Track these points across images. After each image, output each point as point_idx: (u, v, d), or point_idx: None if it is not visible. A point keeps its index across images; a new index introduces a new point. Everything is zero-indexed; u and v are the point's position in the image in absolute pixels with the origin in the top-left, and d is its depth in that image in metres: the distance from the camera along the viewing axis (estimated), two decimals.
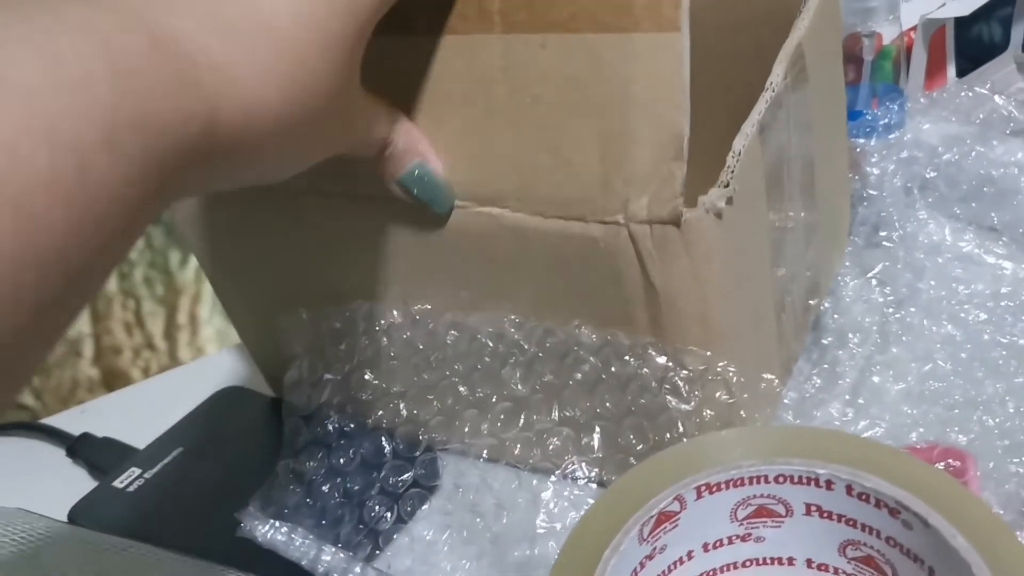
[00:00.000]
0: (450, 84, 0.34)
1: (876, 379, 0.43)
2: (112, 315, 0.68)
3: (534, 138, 0.32)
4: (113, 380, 0.68)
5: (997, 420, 0.40)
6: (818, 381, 0.42)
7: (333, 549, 0.32)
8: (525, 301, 0.36)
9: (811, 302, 0.46)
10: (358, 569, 0.32)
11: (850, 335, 0.45)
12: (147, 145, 0.21)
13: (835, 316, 0.46)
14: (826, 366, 0.44)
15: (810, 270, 0.44)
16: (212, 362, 0.59)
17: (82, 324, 0.67)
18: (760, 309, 0.38)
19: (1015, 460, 0.38)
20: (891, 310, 0.46)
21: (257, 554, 0.37)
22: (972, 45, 0.59)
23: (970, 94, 0.50)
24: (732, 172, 0.31)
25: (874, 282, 0.48)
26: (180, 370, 0.64)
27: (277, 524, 0.34)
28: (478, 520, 0.38)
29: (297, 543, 0.33)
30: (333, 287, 0.40)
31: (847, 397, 0.41)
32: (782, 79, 0.36)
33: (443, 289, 0.38)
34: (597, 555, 0.28)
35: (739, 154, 0.32)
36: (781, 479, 0.30)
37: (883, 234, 0.49)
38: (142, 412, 0.53)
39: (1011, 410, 0.40)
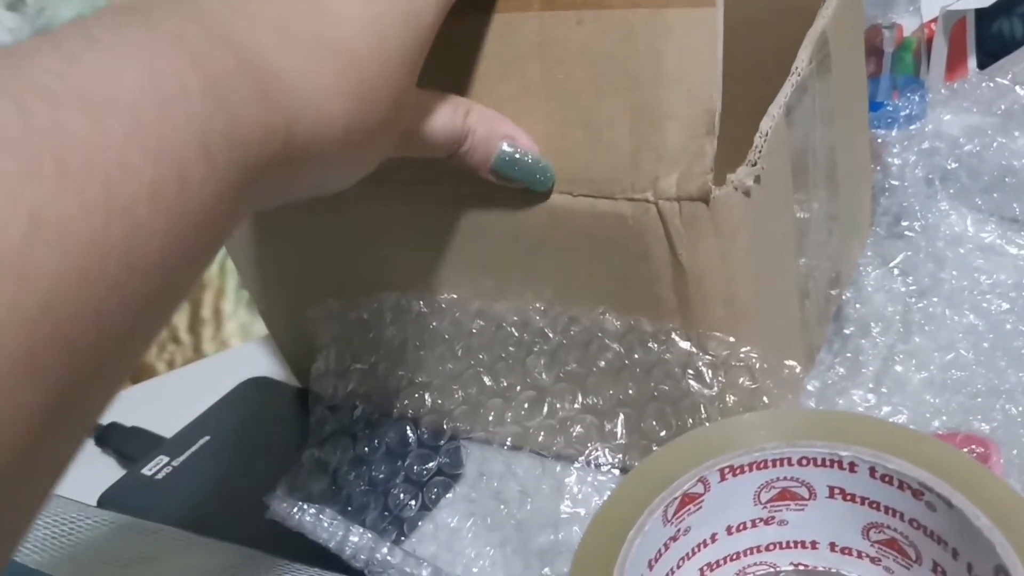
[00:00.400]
0: (487, 62, 0.34)
1: (899, 368, 0.43)
2: None
3: (567, 114, 0.33)
4: (139, 373, 0.69)
5: (1020, 408, 0.40)
6: (841, 370, 0.42)
7: (361, 530, 0.33)
8: (550, 287, 0.37)
9: (833, 292, 0.46)
10: (385, 550, 0.32)
11: (872, 324, 0.45)
12: (236, 157, 0.22)
13: (857, 306, 0.47)
14: (848, 355, 0.44)
15: (831, 259, 0.44)
16: (236, 354, 0.60)
17: None
18: (784, 294, 0.38)
19: None
20: (913, 300, 0.46)
21: (282, 540, 0.37)
22: (993, 41, 0.59)
23: (991, 85, 0.50)
24: (760, 152, 0.32)
25: (896, 272, 0.48)
26: (204, 362, 0.65)
27: (305, 506, 0.34)
28: (502, 507, 0.39)
29: (325, 524, 0.33)
30: (360, 278, 0.41)
31: (870, 385, 0.41)
32: (807, 64, 0.36)
33: (469, 277, 0.38)
34: (622, 536, 0.28)
35: (766, 134, 0.32)
36: (804, 461, 0.30)
37: (905, 224, 0.49)
38: (168, 403, 0.53)
39: None
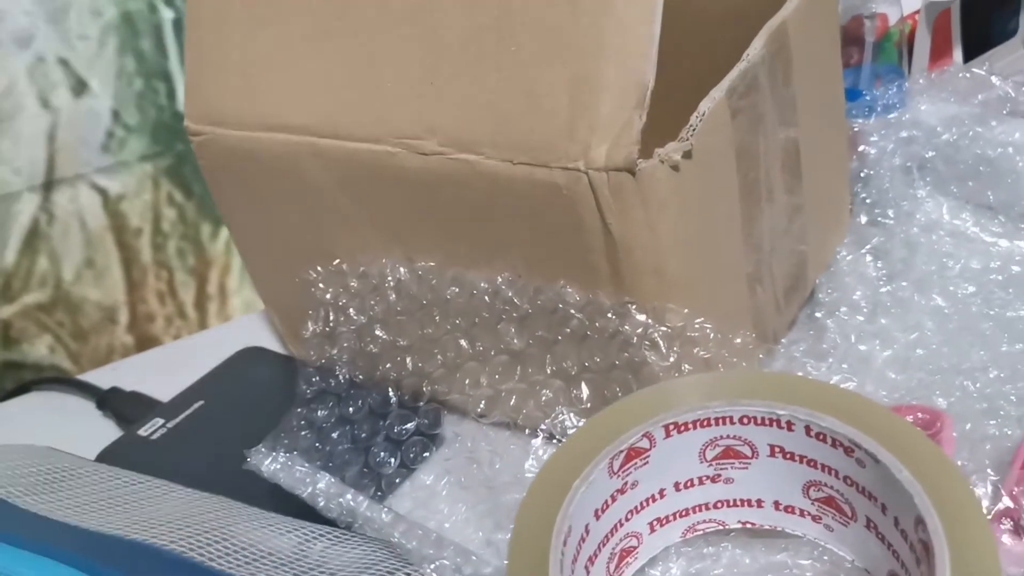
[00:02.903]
0: (450, 32, 0.36)
1: (862, 347, 0.45)
2: (146, 285, 0.71)
3: (513, 84, 0.35)
4: (146, 346, 0.71)
5: (978, 385, 0.41)
6: (803, 346, 0.44)
7: (328, 477, 0.35)
8: (511, 256, 0.38)
9: (805, 276, 0.47)
10: (349, 496, 0.34)
11: (841, 307, 0.47)
12: None
13: (829, 290, 0.48)
14: (812, 334, 0.45)
15: (799, 244, 0.46)
16: (237, 326, 0.62)
17: (117, 293, 0.70)
18: (727, 275, 0.40)
19: (991, 422, 0.39)
20: (883, 283, 0.47)
21: (269, 499, 0.40)
22: (980, 34, 0.60)
23: (968, 76, 0.52)
24: (693, 129, 0.33)
25: (868, 257, 0.49)
26: (206, 333, 0.68)
27: (278, 456, 0.36)
28: (474, 467, 0.41)
29: (296, 473, 0.35)
30: (348, 245, 0.43)
31: (830, 361, 0.43)
32: (759, 52, 0.38)
33: (441, 244, 0.40)
34: (567, 484, 0.30)
35: (703, 114, 0.34)
36: (745, 420, 0.32)
37: (878, 212, 0.50)
38: (169, 371, 0.56)
39: (992, 376, 0.42)
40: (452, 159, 0.37)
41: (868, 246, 0.49)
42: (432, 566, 0.32)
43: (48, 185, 0.68)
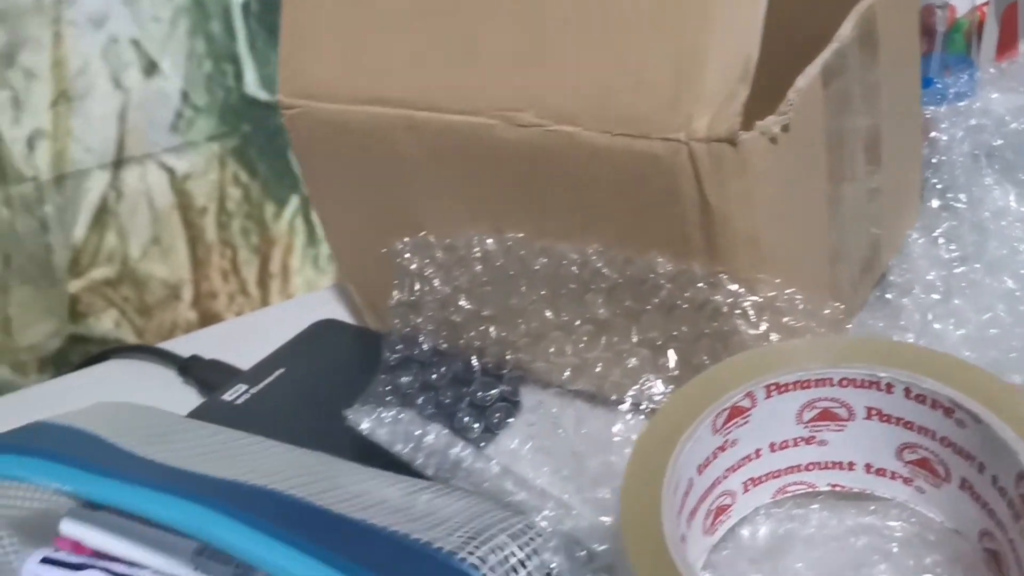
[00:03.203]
0: (554, 7, 0.38)
1: (937, 325, 0.45)
2: (210, 262, 0.73)
3: (617, 57, 0.36)
4: (209, 322, 0.73)
5: None
6: (880, 324, 0.45)
7: (440, 427, 0.36)
8: (603, 227, 0.40)
9: (879, 258, 0.48)
10: (458, 448, 0.35)
11: (915, 288, 0.48)
12: None
13: (902, 270, 0.49)
14: (890, 314, 0.46)
15: (874, 226, 0.47)
16: (298, 303, 0.64)
17: (182, 270, 0.72)
18: (813, 249, 0.41)
19: None
20: (956, 264, 0.48)
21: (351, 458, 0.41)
22: None
23: None
24: (791, 104, 0.35)
25: (940, 240, 0.50)
26: (268, 310, 0.69)
27: (382, 410, 0.37)
28: (560, 431, 0.42)
29: (406, 425, 0.36)
30: (437, 216, 0.44)
31: (909, 336, 0.44)
32: (850, 33, 0.39)
33: (533, 216, 0.41)
34: (673, 440, 0.31)
35: (799, 90, 0.35)
36: (844, 382, 0.33)
37: (950, 196, 0.51)
38: (238, 344, 0.57)
39: None
40: (550, 131, 0.38)
41: (940, 230, 0.50)
42: (540, 515, 0.33)
43: (118, 163, 0.69)
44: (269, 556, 0.28)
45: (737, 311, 0.38)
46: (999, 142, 0.53)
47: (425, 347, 0.45)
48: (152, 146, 0.70)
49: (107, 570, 0.34)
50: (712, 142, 0.35)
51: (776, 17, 0.36)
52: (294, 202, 0.72)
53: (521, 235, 0.43)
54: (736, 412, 0.33)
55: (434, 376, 0.44)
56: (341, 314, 0.57)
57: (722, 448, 0.33)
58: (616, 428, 0.40)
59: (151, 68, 0.69)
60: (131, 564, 0.34)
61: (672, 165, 0.36)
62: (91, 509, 0.36)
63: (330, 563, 0.28)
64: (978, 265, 0.48)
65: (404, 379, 0.44)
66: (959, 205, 0.50)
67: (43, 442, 0.36)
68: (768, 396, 0.33)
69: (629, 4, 0.36)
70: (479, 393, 0.44)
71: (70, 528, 0.35)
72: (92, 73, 0.67)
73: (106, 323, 0.71)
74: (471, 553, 0.29)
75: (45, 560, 0.35)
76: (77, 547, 0.36)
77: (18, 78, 0.65)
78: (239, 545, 0.29)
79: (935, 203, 0.51)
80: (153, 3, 0.68)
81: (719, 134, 0.35)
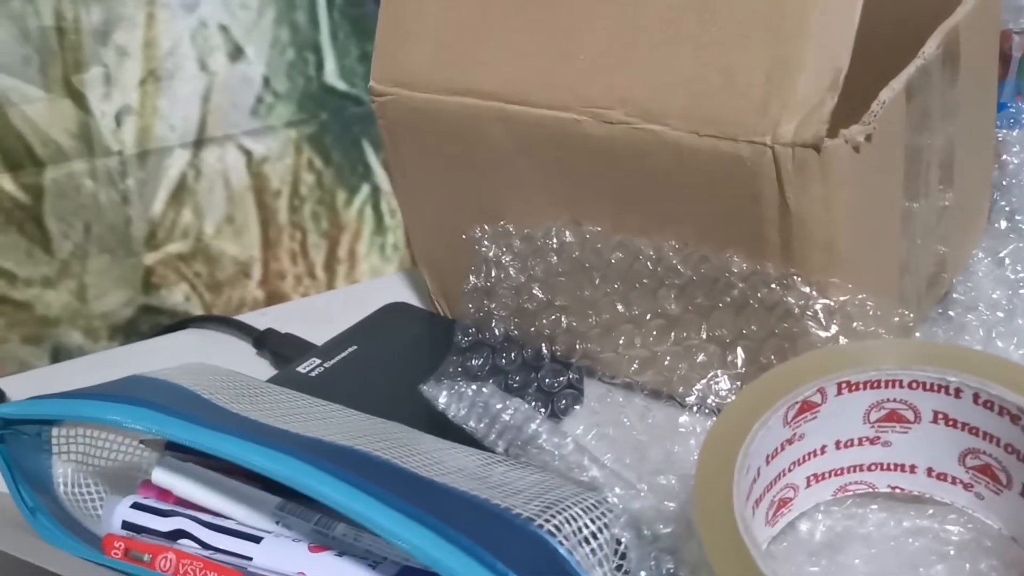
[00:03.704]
0: (650, 9, 0.39)
1: (1000, 344, 0.46)
2: (281, 243, 0.75)
3: (710, 61, 0.37)
4: (275, 302, 0.75)
5: None
6: (943, 338, 0.46)
7: (520, 400, 0.38)
8: (682, 225, 0.41)
9: (943, 275, 0.49)
10: (536, 423, 0.37)
11: (980, 306, 0.49)
12: None
13: (967, 288, 0.50)
14: (953, 329, 0.47)
15: (942, 244, 0.48)
16: (362, 288, 0.66)
17: (253, 249, 0.74)
18: (883, 259, 0.42)
19: None
20: (1021, 286, 0.49)
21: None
22: None
23: None
24: (875, 115, 0.36)
25: (1007, 261, 0.51)
26: (334, 292, 0.71)
27: (460, 382, 0.39)
28: (625, 420, 0.43)
29: (485, 397, 0.38)
30: (517, 205, 0.46)
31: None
32: (934, 51, 0.40)
33: (612, 211, 0.43)
34: (747, 428, 0.33)
35: (884, 102, 0.36)
36: (915, 385, 0.34)
37: (1018, 219, 0.52)
38: (304, 323, 0.59)
39: None
40: (637, 128, 0.40)
41: (1006, 251, 0.51)
42: (611, 493, 0.34)
43: (199, 143, 0.72)
44: (358, 507, 0.30)
45: (808, 313, 0.39)
46: None
47: (497, 332, 0.47)
48: (232, 128, 0.72)
49: (193, 518, 0.36)
50: (797, 147, 0.36)
51: (862, 29, 0.37)
52: (364, 191, 0.74)
53: (599, 229, 0.44)
54: (807, 407, 0.34)
55: (504, 360, 0.46)
56: (406, 300, 0.59)
57: (790, 441, 0.34)
58: (682, 419, 0.41)
59: (236, 53, 0.71)
60: (216, 515, 0.36)
61: (756, 167, 0.37)
62: (179, 461, 0.38)
63: (417, 519, 0.29)
64: None
65: (475, 361, 0.46)
66: None
67: (140, 392, 0.38)
68: (839, 393, 0.34)
69: (726, 9, 0.37)
70: (547, 379, 0.45)
71: (161, 477, 0.37)
72: (180, 55, 0.70)
73: (177, 296, 0.73)
74: (547, 521, 0.31)
75: (135, 505, 0.37)
76: (162, 495, 0.38)
77: (111, 55, 0.67)
78: (330, 495, 0.30)
79: (1003, 224, 0.52)
80: None
81: (804, 140, 0.36)
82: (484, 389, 0.39)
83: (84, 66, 0.67)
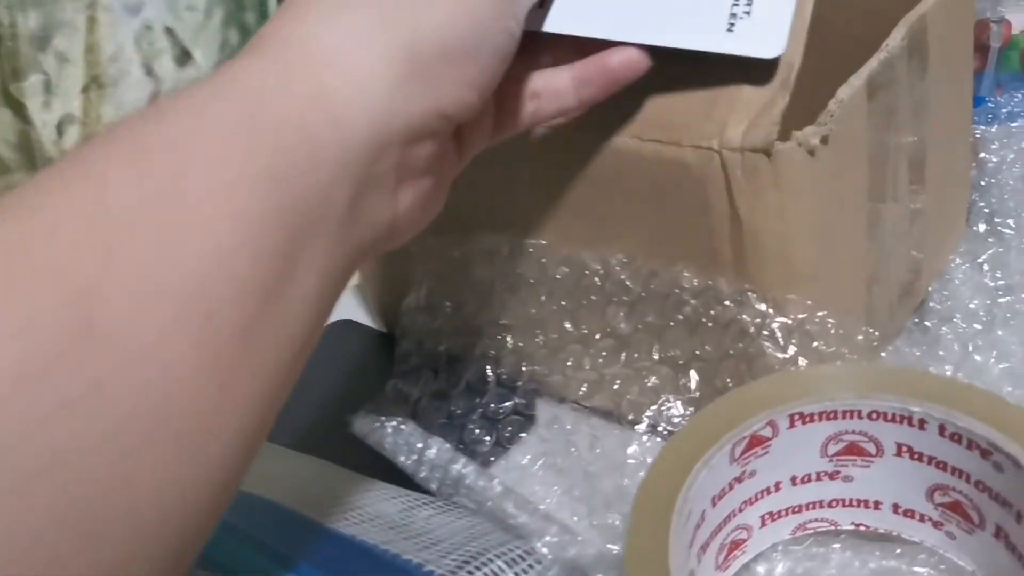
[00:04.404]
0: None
1: (978, 357, 0.43)
2: None
3: (656, 59, 0.34)
4: None
5: None
6: (917, 352, 0.43)
7: (441, 441, 0.34)
8: (628, 237, 0.38)
9: (919, 282, 0.46)
10: (459, 465, 0.34)
11: (956, 316, 0.45)
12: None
13: (943, 296, 0.47)
14: (928, 342, 0.44)
15: (916, 250, 0.44)
16: None
17: None
18: (849, 271, 0.39)
19: None
20: (1000, 294, 0.46)
21: (360, 465, 0.39)
22: None
23: None
24: (832, 115, 0.32)
25: (986, 267, 0.48)
26: None
27: (386, 420, 0.36)
28: (573, 450, 0.40)
29: (407, 437, 0.35)
30: (457, 218, 0.42)
31: (947, 368, 0.41)
32: (898, 43, 0.37)
33: (555, 223, 0.40)
34: (688, 466, 0.29)
35: (841, 100, 0.33)
36: (874, 415, 0.31)
37: (998, 221, 0.49)
38: None
39: None
40: (576, 134, 0.37)
41: (985, 256, 0.47)
42: (540, 542, 0.31)
43: None
44: (250, 563, 0.27)
45: (764, 332, 0.36)
46: None
47: (439, 354, 0.43)
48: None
49: None
50: (746, 152, 0.33)
51: (826, 26, 0.34)
52: None
53: (543, 242, 0.41)
54: (756, 441, 0.31)
55: (447, 384, 0.43)
56: (358, 317, 0.55)
57: (739, 479, 0.31)
58: (631, 450, 0.38)
59: (184, 57, 0.68)
60: None
61: (703, 174, 0.34)
62: None
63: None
64: None
65: (415, 387, 0.43)
66: (1007, 231, 0.48)
67: None
68: (791, 426, 0.31)
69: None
70: (492, 405, 0.42)
71: None
72: (125, 60, 0.67)
73: None
74: None
75: None
76: None
77: (51, 62, 0.64)
78: (218, 549, 0.27)
79: (981, 227, 0.49)
80: None
81: (754, 143, 0.33)
82: (403, 427, 0.36)
83: (22, 74, 0.64)
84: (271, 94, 0.23)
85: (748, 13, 0.31)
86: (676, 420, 0.38)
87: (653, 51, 0.32)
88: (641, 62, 0.32)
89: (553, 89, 0.32)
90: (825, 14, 0.36)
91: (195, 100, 0.23)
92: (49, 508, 0.18)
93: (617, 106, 0.36)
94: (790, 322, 0.36)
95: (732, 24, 0.32)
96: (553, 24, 0.32)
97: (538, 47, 0.32)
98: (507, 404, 0.42)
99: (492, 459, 0.42)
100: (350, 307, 0.58)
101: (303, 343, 0.23)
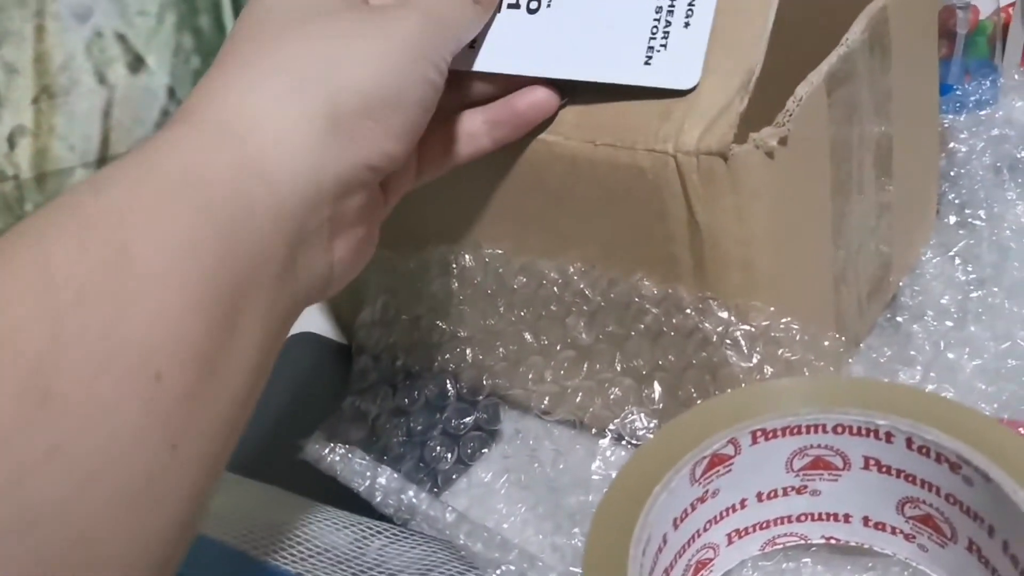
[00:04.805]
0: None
1: (951, 355, 0.42)
2: None
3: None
4: None
5: None
6: (889, 352, 0.41)
7: (389, 471, 0.33)
8: (586, 245, 0.37)
9: (890, 278, 0.45)
10: (411, 493, 0.32)
11: (928, 313, 0.44)
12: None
13: (914, 292, 0.45)
14: (898, 341, 0.43)
15: (882, 247, 0.43)
16: None
17: None
18: (814, 272, 0.38)
19: None
20: (972, 288, 0.45)
21: (317, 487, 0.38)
22: None
23: None
24: (790, 115, 0.31)
25: (957, 261, 0.46)
26: None
27: (336, 447, 0.34)
28: (536, 466, 0.39)
29: (356, 466, 0.34)
30: (410, 229, 0.41)
31: (919, 368, 0.40)
32: (859, 36, 0.35)
33: (511, 232, 0.38)
34: (647, 491, 0.28)
35: (800, 99, 0.32)
36: (839, 429, 0.30)
37: (969, 212, 0.48)
38: None
39: None
40: (529, 139, 0.35)
41: (956, 249, 0.46)
42: (497, 571, 0.30)
43: (101, 162, 0.67)
44: None
45: (727, 341, 0.35)
46: (1023, 154, 0.49)
47: (397, 369, 0.42)
48: (137, 144, 0.67)
49: None
50: (702, 155, 0.32)
51: (787, 21, 0.33)
52: None
53: (500, 251, 0.40)
54: (718, 460, 0.30)
55: (406, 400, 0.41)
56: (324, 322, 0.54)
57: (702, 499, 0.30)
58: (595, 466, 0.37)
59: (137, 63, 0.66)
60: None
61: (659, 179, 0.33)
62: None
63: None
64: (996, 289, 0.44)
65: (373, 404, 0.42)
66: (978, 222, 0.47)
67: None
68: (754, 443, 0.30)
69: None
70: (453, 421, 0.41)
71: None
72: (76, 68, 0.65)
73: None
74: None
75: None
76: None
77: None
78: None
79: (952, 219, 0.48)
80: None
81: (710, 147, 0.31)
82: (351, 456, 0.34)
83: None
84: (204, 163, 0.24)
85: (665, 47, 0.32)
86: (640, 432, 0.37)
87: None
88: (549, 101, 0.34)
89: (468, 132, 0.34)
90: (785, 9, 0.35)
91: (131, 173, 0.23)
92: (16, 568, 0.19)
93: (571, 111, 0.34)
94: (753, 330, 0.35)
95: (650, 58, 0.32)
96: (481, 63, 0.34)
97: (462, 85, 0.34)
98: (468, 419, 0.41)
99: (454, 476, 0.41)
100: (312, 317, 0.56)
101: (247, 396, 0.24)
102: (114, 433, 0.20)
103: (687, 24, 0.32)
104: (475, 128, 0.34)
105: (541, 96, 0.33)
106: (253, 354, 0.24)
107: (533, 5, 0.34)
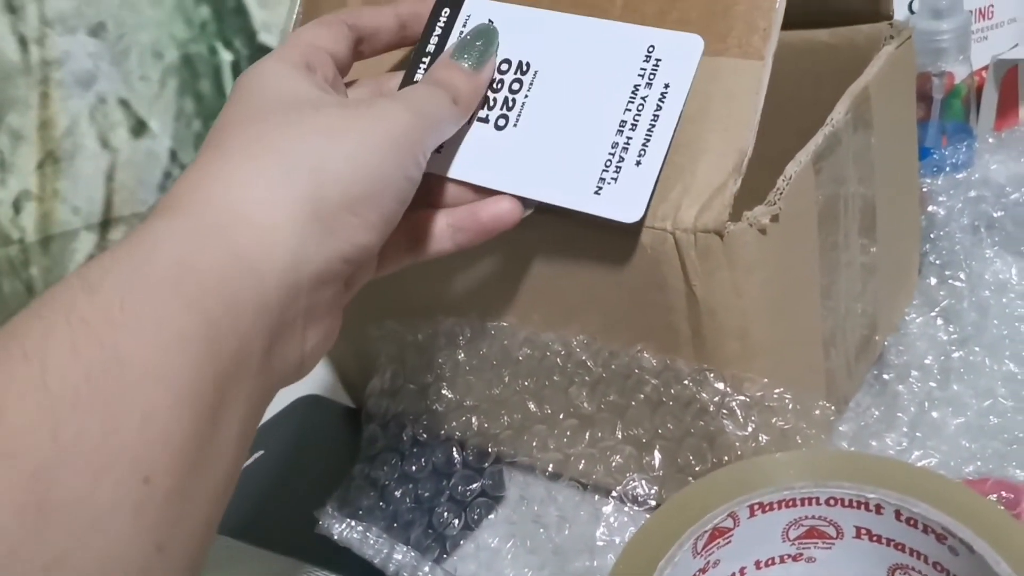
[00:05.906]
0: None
1: (935, 414, 0.44)
2: None
3: None
4: None
5: None
6: (876, 412, 0.43)
7: (405, 548, 0.35)
8: (588, 318, 0.38)
9: (875, 338, 0.47)
10: (427, 568, 0.34)
11: (912, 373, 0.46)
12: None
13: (899, 351, 0.47)
14: (885, 401, 0.45)
15: (868, 309, 0.45)
16: None
17: None
18: (805, 338, 0.39)
19: None
20: (954, 348, 0.47)
21: (330, 553, 0.39)
22: None
23: None
24: (780, 193, 0.33)
25: (939, 320, 0.48)
26: None
27: (352, 523, 0.36)
28: (541, 531, 0.40)
29: (371, 541, 0.35)
30: (419, 301, 0.43)
31: (904, 430, 0.42)
32: (843, 116, 0.37)
33: (517, 304, 0.40)
34: (652, 565, 0.30)
35: (789, 178, 0.34)
36: (832, 501, 0.31)
37: (949, 273, 0.50)
38: None
39: None
40: (534, 215, 0.37)
41: (938, 308, 0.48)
42: None
43: (105, 224, 0.68)
44: None
45: (724, 411, 0.37)
46: (999, 213, 0.51)
47: (405, 437, 0.44)
48: (140, 206, 0.69)
49: None
50: (699, 232, 0.34)
51: (778, 101, 0.35)
52: None
53: (505, 324, 0.41)
54: (718, 533, 0.31)
55: (414, 468, 0.43)
56: (332, 385, 0.55)
57: (703, 570, 0.31)
58: (599, 532, 0.38)
59: (139, 128, 0.68)
60: None
61: (658, 255, 0.35)
62: None
63: None
64: (977, 348, 0.46)
65: (383, 470, 0.43)
66: (958, 283, 0.49)
67: None
68: (752, 515, 0.31)
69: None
70: (459, 487, 0.42)
71: None
72: (79, 134, 0.66)
73: None
74: None
75: None
76: None
77: (4, 140, 0.64)
78: None
79: (933, 280, 0.50)
80: (142, 63, 0.67)
81: (706, 225, 0.33)
82: (368, 535, 0.36)
83: None
84: (191, 258, 0.25)
85: (616, 180, 0.34)
86: (642, 498, 0.39)
87: None
88: (512, 213, 0.34)
89: (431, 234, 0.35)
90: (773, 91, 0.37)
91: (121, 269, 0.24)
92: None
93: None
94: (748, 399, 0.36)
95: (600, 188, 0.34)
96: (448, 169, 0.35)
97: (431, 186, 0.35)
98: (474, 485, 0.43)
99: (461, 542, 0.42)
100: (317, 383, 0.58)
101: (224, 491, 0.25)
102: (108, 541, 0.21)
103: (639, 163, 0.33)
104: (439, 230, 0.35)
105: (505, 208, 0.34)
106: (232, 448, 0.24)
107: (500, 122, 0.35)
